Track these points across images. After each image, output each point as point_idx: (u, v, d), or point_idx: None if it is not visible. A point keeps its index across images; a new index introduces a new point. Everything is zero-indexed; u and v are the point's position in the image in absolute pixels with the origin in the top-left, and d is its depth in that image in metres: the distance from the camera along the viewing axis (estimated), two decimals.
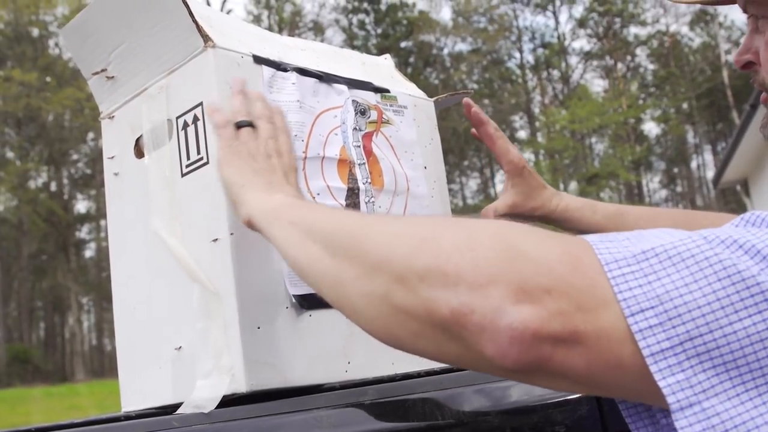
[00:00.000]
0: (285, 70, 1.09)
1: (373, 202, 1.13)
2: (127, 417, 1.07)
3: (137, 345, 1.10)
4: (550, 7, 44.13)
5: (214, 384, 0.95)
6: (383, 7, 42.96)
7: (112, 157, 1.17)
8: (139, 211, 1.10)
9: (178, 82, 1.06)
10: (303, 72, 1.11)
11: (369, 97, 1.20)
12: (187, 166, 1.03)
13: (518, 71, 44.44)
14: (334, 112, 1.14)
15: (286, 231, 0.81)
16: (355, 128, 1.15)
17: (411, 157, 1.23)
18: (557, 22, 44.33)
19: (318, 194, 1.07)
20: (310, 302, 1.02)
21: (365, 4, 42.80)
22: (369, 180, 1.14)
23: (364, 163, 1.14)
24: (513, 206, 1.25)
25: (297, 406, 0.87)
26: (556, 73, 44.07)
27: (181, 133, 1.05)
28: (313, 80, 1.12)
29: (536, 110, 44.50)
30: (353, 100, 1.17)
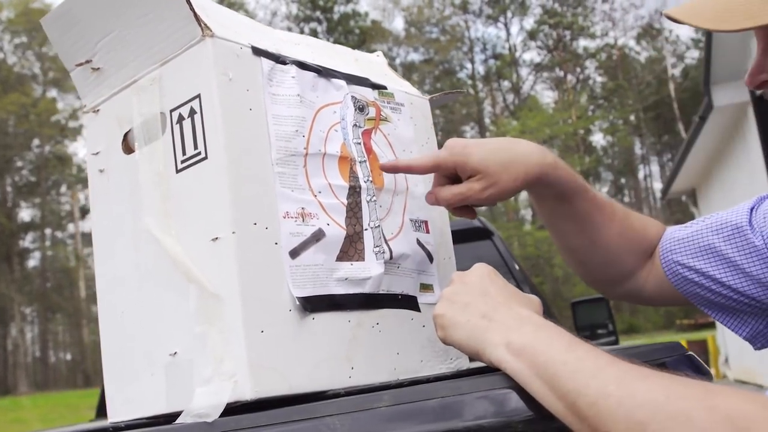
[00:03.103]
0: (284, 63, 1.05)
1: (375, 200, 1.09)
2: (116, 428, 1.02)
3: (126, 352, 1.04)
4: (501, 19, 44.64)
5: (214, 391, 0.90)
6: (336, 16, 43.04)
7: (97, 153, 1.10)
8: (127, 209, 1.04)
9: (173, 73, 1.01)
10: (302, 65, 1.07)
11: (367, 94, 1.16)
12: (182, 162, 0.98)
13: (470, 81, 44.78)
14: (333, 108, 1.09)
15: (535, 384, 0.81)
16: (355, 125, 1.11)
17: (409, 155, 1.19)
18: (508, 33, 44.87)
19: (320, 192, 1.03)
20: (313, 304, 0.98)
21: (317, 13, 42.84)
22: (370, 178, 1.10)
23: (365, 161, 1.10)
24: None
25: (308, 414, 0.82)
26: (506, 84, 44.54)
27: (176, 127, 0.99)
28: (312, 74, 1.08)
29: (487, 120, 44.90)
30: (352, 96, 1.13)
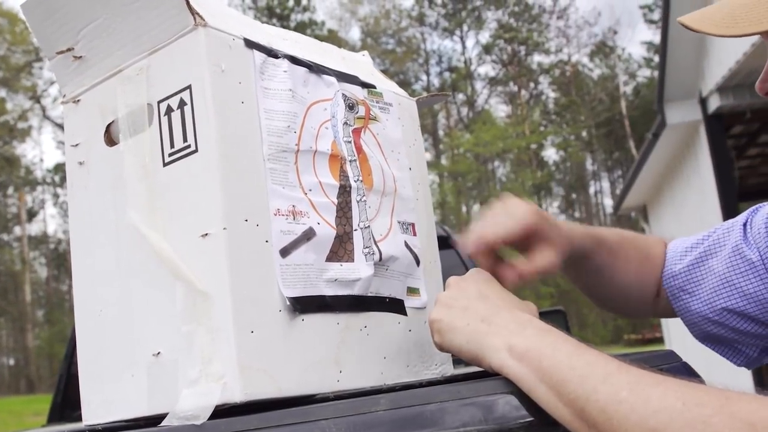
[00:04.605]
0: (276, 56, 1.02)
1: (365, 201, 1.07)
2: (93, 431, 0.97)
3: (104, 351, 0.99)
4: (457, 32, 44.94)
5: (202, 393, 0.86)
6: (292, 24, 42.94)
7: (77, 145, 1.06)
8: (109, 203, 1.00)
9: (162, 63, 0.97)
10: (294, 60, 1.04)
11: (356, 92, 1.14)
12: (170, 155, 0.94)
13: (424, 93, 44.94)
14: (323, 105, 1.07)
15: (539, 389, 0.79)
16: (345, 123, 1.09)
17: (397, 156, 1.17)
18: (464, 47, 45.19)
19: (310, 190, 1.00)
20: (303, 305, 0.95)
21: (274, 20, 42.65)
22: (360, 178, 1.07)
23: (355, 160, 1.08)
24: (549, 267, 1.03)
25: (302, 417, 0.79)
26: (461, 96, 44.81)
27: (164, 119, 0.96)
28: (303, 70, 1.05)
29: (441, 133, 45.11)
30: (343, 94, 1.10)
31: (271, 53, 1.02)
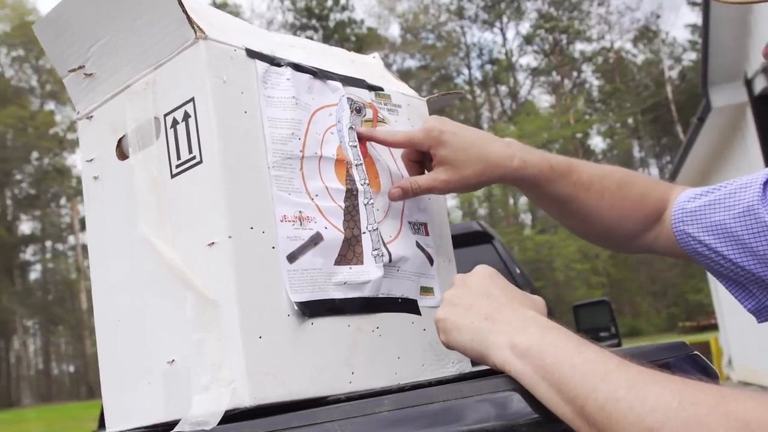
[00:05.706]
0: (279, 65, 1.03)
1: (372, 203, 1.08)
2: None
3: (123, 360, 1.02)
4: (497, 24, 44.65)
5: (213, 398, 0.88)
6: (331, 23, 43.12)
7: (91, 160, 1.09)
8: (123, 216, 1.03)
9: (166, 77, 0.99)
10: (297, 67, 1.05)
11: (363, 95, 1.15)
12: (177, 167, 0.97)
13: (467, 87, 44.78)
14: (329, 110, 1.08)
15: (541, 387, 0.79)
16: (350, 127, 1.10)
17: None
18: (504, 38, 44.88)
19: (317, 195, 1.01)
20: (312, 309, 0.96)
21: (314, 21, 42.89)
22: (367, 181, 1.08)
23: (361, 164, 1.09)
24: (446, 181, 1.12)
25: (308, 419, 0.81)
26: (504, 89, 44.56)
27: (170, 132, 0.98)
28: (307, 76, 1.07)
29: (485, 126, 44.88)
30: (348, 98, 1.11)
31: (274, 62, 1.03)
